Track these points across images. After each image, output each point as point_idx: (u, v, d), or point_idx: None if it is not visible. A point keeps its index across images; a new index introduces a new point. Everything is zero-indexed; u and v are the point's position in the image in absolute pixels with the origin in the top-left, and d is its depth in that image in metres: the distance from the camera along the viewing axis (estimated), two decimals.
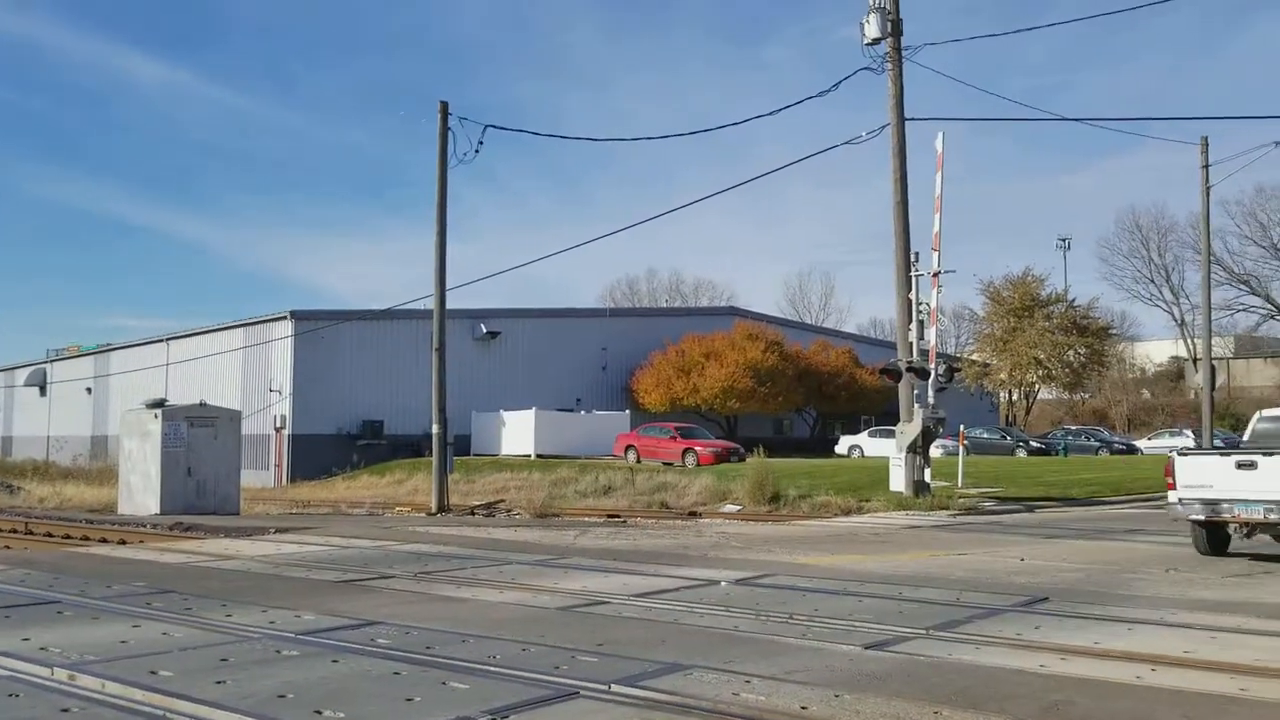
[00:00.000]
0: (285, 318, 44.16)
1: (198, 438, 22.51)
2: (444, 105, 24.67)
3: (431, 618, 8.38)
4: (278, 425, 43.48)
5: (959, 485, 24.61)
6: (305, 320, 43.74)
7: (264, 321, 45.76)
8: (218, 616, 8.43)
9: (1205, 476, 12.54)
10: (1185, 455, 13.13)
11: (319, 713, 5.39)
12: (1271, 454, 12.10)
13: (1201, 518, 12.64)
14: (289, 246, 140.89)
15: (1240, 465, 12.28)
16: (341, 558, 13.05)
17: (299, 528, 17.86)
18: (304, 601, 9.24)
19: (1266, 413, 15.48)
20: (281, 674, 6.29)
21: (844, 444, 48.38)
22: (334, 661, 6.63)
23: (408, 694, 5.75)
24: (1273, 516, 11.88)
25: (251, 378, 45.65)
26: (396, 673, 6.29)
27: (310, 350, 43.25)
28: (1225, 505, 12.30)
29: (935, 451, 26.05)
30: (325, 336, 43.20)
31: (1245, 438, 15.04)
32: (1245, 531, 12.56)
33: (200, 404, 24.41)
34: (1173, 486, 12.93)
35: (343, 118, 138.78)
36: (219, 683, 6.01)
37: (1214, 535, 12.92)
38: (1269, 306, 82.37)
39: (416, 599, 9.62)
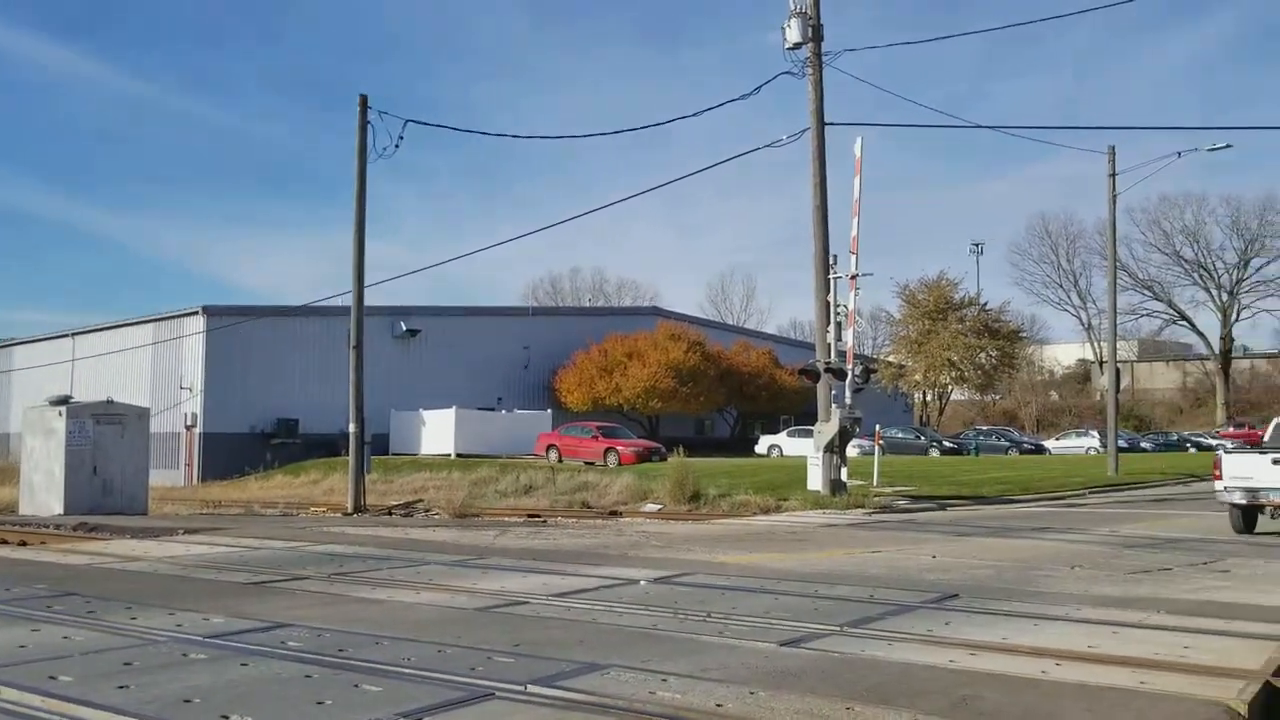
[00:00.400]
0: (197, 313, 43.13)
1: (104, 436, 21.83)
2: (364, 99, 24.31)
3: (345, 619, 8.24)
4: (189, 423, 42.43)
5: (874, 484, 25.04)
6: (218, 316, 42.77)
7: (174, 317, 44.62)
8: (122, 619, 8.17)
9: (1246, 470, 15.69)
10: (1230, 453, 16.49)
11: (226, 717, 5.26)
12: None
13: (1243, 502, 15.71)
14: (200, 240, 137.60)
15: (1275, 461, 15.27)
16: (253, 559, 12.77)
17: (209, 528, 17.43)
18: (213, 604, 9.01)
19: None
20: (188, 678, 6.12)
21: (764, 443, 48.90)
22: (243, 665, 6.48)
23: (318, 697, 5.64)
24: None
25: (161, 374, 44.47)
26: (308, 676, 6.17)
27: (223, 347, 42.29)
28: (1262, 492, 15.42)
29: (852, 451, 26.47)
30: (238, 333, 42.27)
31: (1266, 437, 18.00)
32: (1273, 513, 15.68)
33: (107, 401, 23.66)
34: (1219, 478, 15.95)
35: (253, 107, 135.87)
36: (121, 688, 5.83)
37: (1248, 515, 15.97)
38: (1171, 312, 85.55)
39: (330, 601, 9.45)
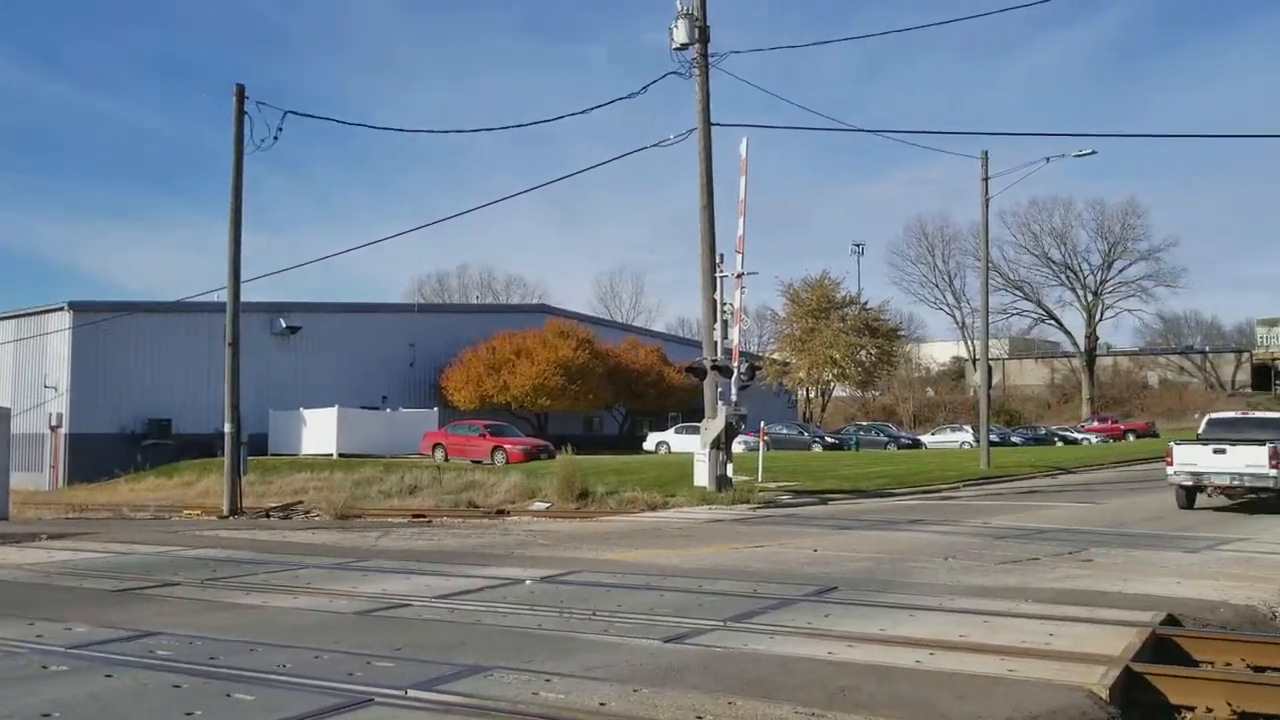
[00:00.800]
0: (62, 309, 41.17)
1: None
2: (240, 88, 23.56)
3: (218, 626, 7.97)
4: (54, 424, 40.49)
5: (759, 480, 25.40)
6: (85, 312, 40.91)
7: (38, 313, 42.51)
8: None
9: (1192, 458, 19.23)
10: (1180, 444, 19.85)
11: None
12: (1235, 444, 18.76)
13: (1189, 484, 19.32)
14: (68, 233, 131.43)
15: (1216, 451, 18.91)
16: (121, 565, 12.26)
17: (75, 533, 16.68)
18: (76, 612, 8.62)
19: (1213, 416, 22.27)
20: (47, 691, 5.84)
21: (652, 440, 49.14)
22: (107, 676, 6.21)
23: (188, 708, 5.44)
24: (1233, 483, 18.83)
25: (24, 373, 42.34)
26: (176, 685, 5.95)
27: (91, 344, 40.48)
28: (1204, 475, 19.02)
29: (738, 447, 26.83)
30: (108, 330, 40.51)
31: (1200, 431, 20.96)
32: (1211, 493, 19.45)
33: None
34: (1170, 463, 19.47)
35: (127, 96, 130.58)
36: None
37: (1190, 494, 19.59)
38: (1040, 311, 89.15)
39: (202, 607, 9.13)
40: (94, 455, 39.51)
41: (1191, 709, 6.08)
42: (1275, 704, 5.98)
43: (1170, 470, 19.44)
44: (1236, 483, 18.71)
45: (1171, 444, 19.95)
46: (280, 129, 23.00)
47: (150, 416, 41.51)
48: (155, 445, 40.89)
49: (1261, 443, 18.52)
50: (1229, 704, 6.00)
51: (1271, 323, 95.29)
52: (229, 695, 5.71)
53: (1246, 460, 18.46)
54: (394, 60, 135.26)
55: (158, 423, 41.51)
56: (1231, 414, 23.38)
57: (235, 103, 23.47)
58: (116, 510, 27.21)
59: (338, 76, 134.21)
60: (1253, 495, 19.43)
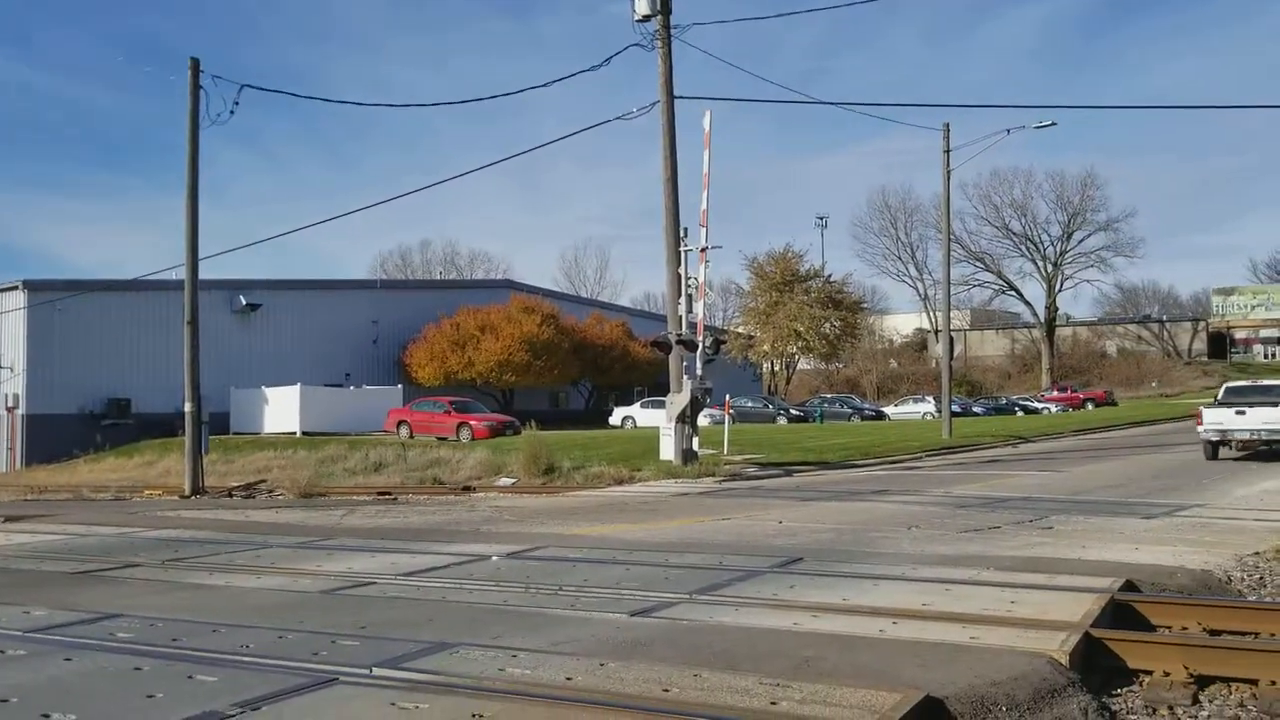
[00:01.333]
0: (16, 288, 40.43)
1: None
2: (195, 62, 23.14)
3: (180, 607, 7.89)
4: (9, 405, 39.83)
5: (725, 453, 25.51)
6: (40, 291, 40.20)
7: None
8: None
9: (1219, 418, 23.04)
10: (1209, 407, 23.63)
11: (46, 716, 4.97)
12: (1253, 406, 22.71)
13: (1216, 439, 23.22)
14: (21, 210, 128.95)
15: (1237, 412, 22.75)
16: (80, 546, 12.10)
17: (34, 515, 16.46)
18: (35, 595, 8.50)
19: (1229, 385, 25.90)
20: (6, 676, 5.75)
21: (618, 415, 49.19)
22: (66, 660, 6.13)
23: (149, 690, 5.38)
24: (1252, 437, 22.86)
25: None
26: (137, 668, 5.88)
27: (46, 323, 39.82)
28: (1229, 432, 22.96)
29: (703, 421, 26.91)
30: (64, 308, 39.84)
31: (1219, 397, 24.39)
32: (1235, 447, 23.59)
33: None
34: (1200, 422, 23.34)
35: (81, 73, 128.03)
36: None
37: (1216, 448, 23.46)
38: (1001, 282, 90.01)
39: (164, 588, 9.03)
40: (52, 436, 38.95)
41: (1149, 673, 6.19)
42: (1230, 667, 6.10)
43: (1200, 429, 23.34)
44: (1255, 437, 22.84)
45: (1201, 408, 23.96)
46: (237, 103, 22.70)
47: (109, 396, 40.98)
48: (115, 425, 40.37)
49: (1275, 404, 22.64)
50: (1185, 667, 6.11)
51: (1227, 292, 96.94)
52: (191, 677, 5.65)
53: (1264, 419, 22.54)
54: (370, 44, 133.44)
55: (117, 402, 40.98)
56: (1244, 382, 27.60)
57: (190, 77, 23.09)
58: (76, 491, 26.87)
59: (316, 63, 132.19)
60: (1265, 447, 23.57)
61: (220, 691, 5.35)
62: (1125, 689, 6.07)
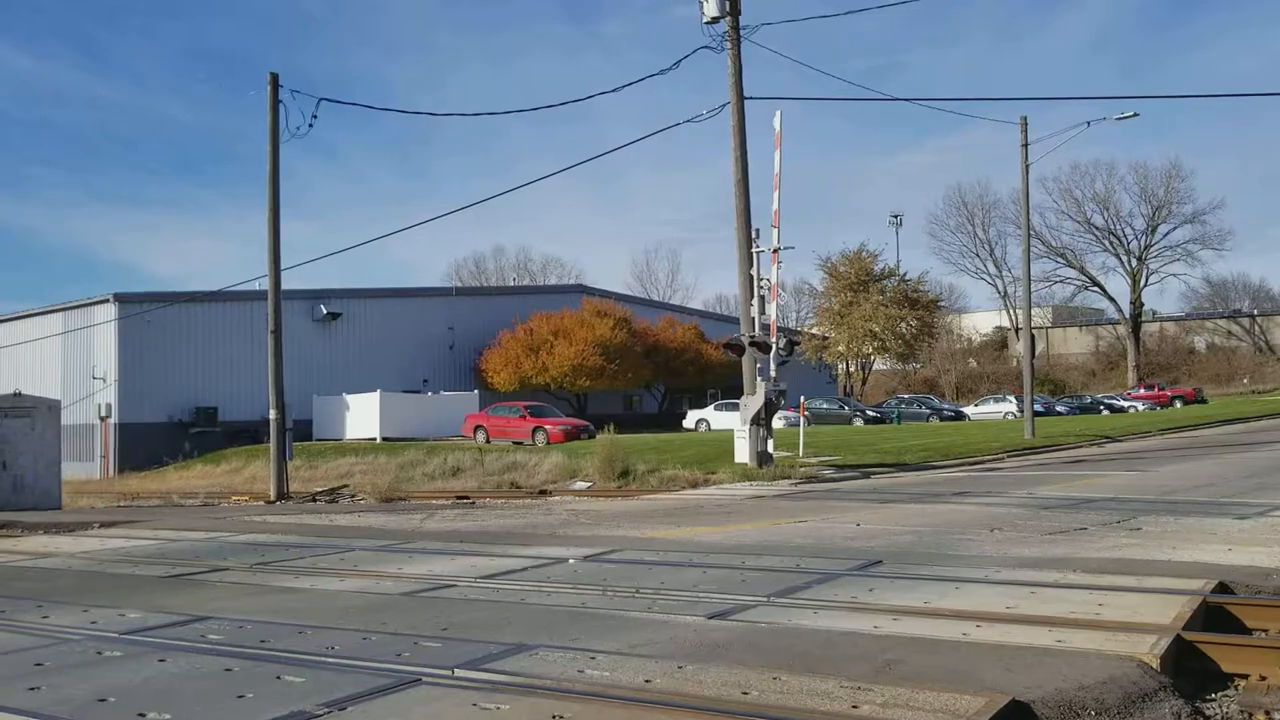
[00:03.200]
0: (108, 301, 41.88)
1: (13, 429, 21.15)
2: (274, 77, 23.72)
3: (267, 610, 8.08)
4: (103, 414, 41.24)
5: (800, 455, 25.32)
6: (130, 303, 41.57)
7: (84, 305, 43.27)
8: (33, 619, 7.92)
9: None
10: None
11: (142, 715, 5.12)
12: None
13: None
14: (109, 225, 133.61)
15: None
16: (172, 551, 12.47)
17: (126, 521, 16.99)
18: (130, 599, 8.78)
19: None
20: (103, 676, 5.95)
21: (691, 418, 49.12)
22: (160, 661, 6.32)
23: (239, 691, 5.52)
24: None
25: (72, 365, 43.13)
26: (228, 669, 6.04)
27: (136, 335, 41.16)
28: None
29: (778, 423, 26.74)
30: (152, 320, 41.15)
31: None
32: None
33: (15, 393, 22.87)
34: None
35: (160, 88, 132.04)
36: (32, 689, 5.64)
37: None
38: (1083, 278, 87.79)
39: (252, 591, 9.26)
40: (143, 444, 40.24)
41: (1245, 677, 5.99)
42: None
43: None
44: None
45: None
46: (315, 116, 23.22)
47: (197, 405, 42.19)
48: (202, 433, 41.56)
49: None
50: None
51: None
52: (279, 678, 5.78)
53: None
54: (433, 48, 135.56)
55: (204, 410, 42.17)
56: None
57: (270, 92, 23.66)
58: (166, 498, 27.68)
59: (378, 66, 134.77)
60: None
61: (308, 692, 5.46)
62: (1219, 693, 5.88)
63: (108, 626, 7.50)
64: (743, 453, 22.74)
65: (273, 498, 23.31)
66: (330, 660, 6.20)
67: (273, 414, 23.86)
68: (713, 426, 45.65)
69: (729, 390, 49.34)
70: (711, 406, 49.33)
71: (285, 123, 23.51)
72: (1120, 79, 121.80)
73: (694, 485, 21.44)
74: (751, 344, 22.63)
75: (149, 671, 6.06)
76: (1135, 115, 33.72)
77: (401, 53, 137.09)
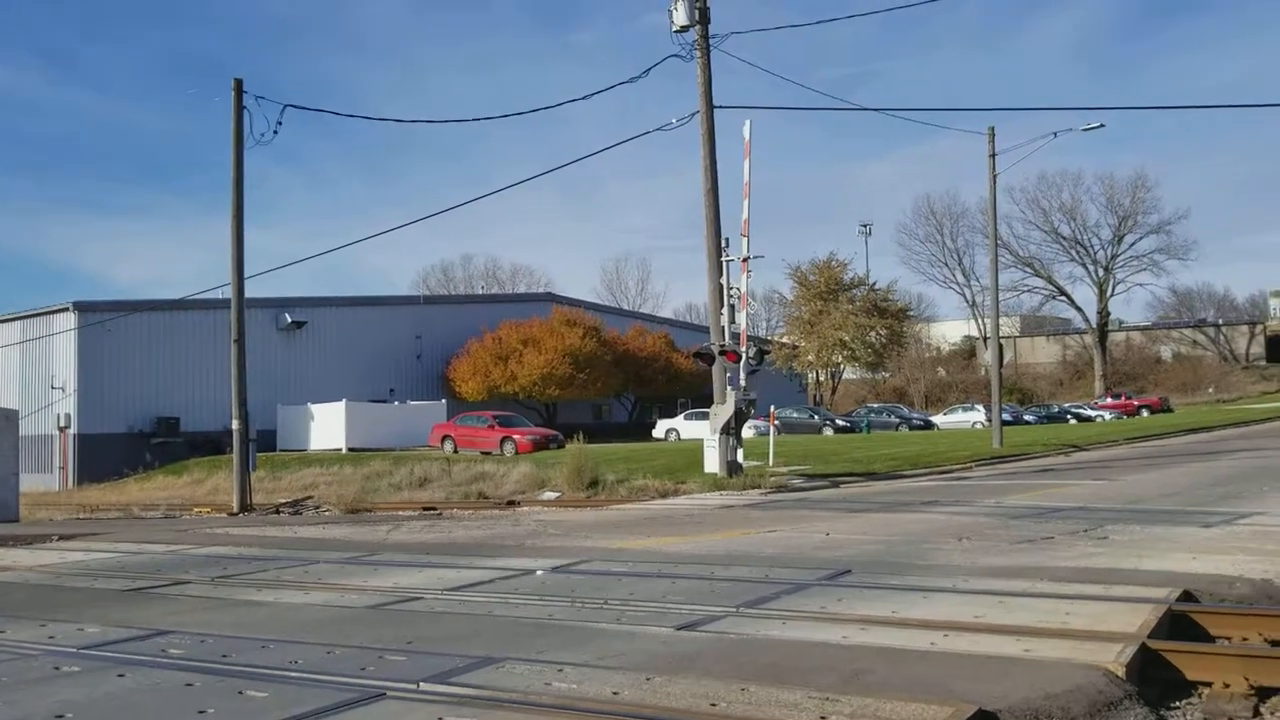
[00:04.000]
0: (67, 309, 41.32)
1: None
2: (238, 83, 23.51)
3: (229, 624, 7.95)
4: (62, 425, 40.63)
5: (770, 464, 25.35)
6: (90, 312, 41.03)
7: (43, 314, 42.66)
8: None
9: None
10: None
11: None
12: None
13: None
14: (71, 233, 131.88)
15: None
16: (132, 564, 12.27)
17: (86, 534, 16.72)
18: (88, 613, 8.61)
19: None
20: (60, 692, 5.82)
21: (661, 427, 49.14)
22: (120, 676, 6.19)
23: (200, 706, 5.42)
24: None
25: (31, 374, 42.50)
26: (189, 684, 5.93)
27: (96, 344, 40.62)
28: None
29: (748, 432, 26.76)
30: (113, 329, 40.63)
31: None
32: None
33: None
34: None
35: (125, 96, 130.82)
36: None
37: None
38: (1050, 287, 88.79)
39: (214, 605, 9.12)
40: (103, 455, 39.66)
41: (1209, 685, 6.02)
42: None
43: None
44: None
45: None
46: (280, 123, 23.03)
47: (158, 415, 41.67)
48: (164, 444, 41.04)
49: None
50: (1246, 679, 5.93)
51: None
52: (241, 693, 5.68)
53: None
54: (408, 56, 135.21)
55: (165, 421, 41.66)
56: None
57: (234, 98, 23.46)
58: (127, 510, 27.29)
59: (354, 75, 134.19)
60: None
61: (270, 707, 5.37)
62: (1184, 701, 5.91)
63: (66, 641, 7.35)
64: (712, 462, 22.74)
65: (236, 510, 23.03)
66: (294, 674, 6.10)
67: (236, 424, 23.60)
68: (683, 436, 45.68)
69: (699, 399, 49.40)
70: (681, 416, 49.36)
71: (250, 129, 23.32)
72: (1091, 88, 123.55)
73: (664, 495, 21.40)
74: (721, 353, 22.65)
75: (108, 687, 5.94)
76: (1101, 126, 34.09)
77: (376, 61, 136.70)
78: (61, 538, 16.01)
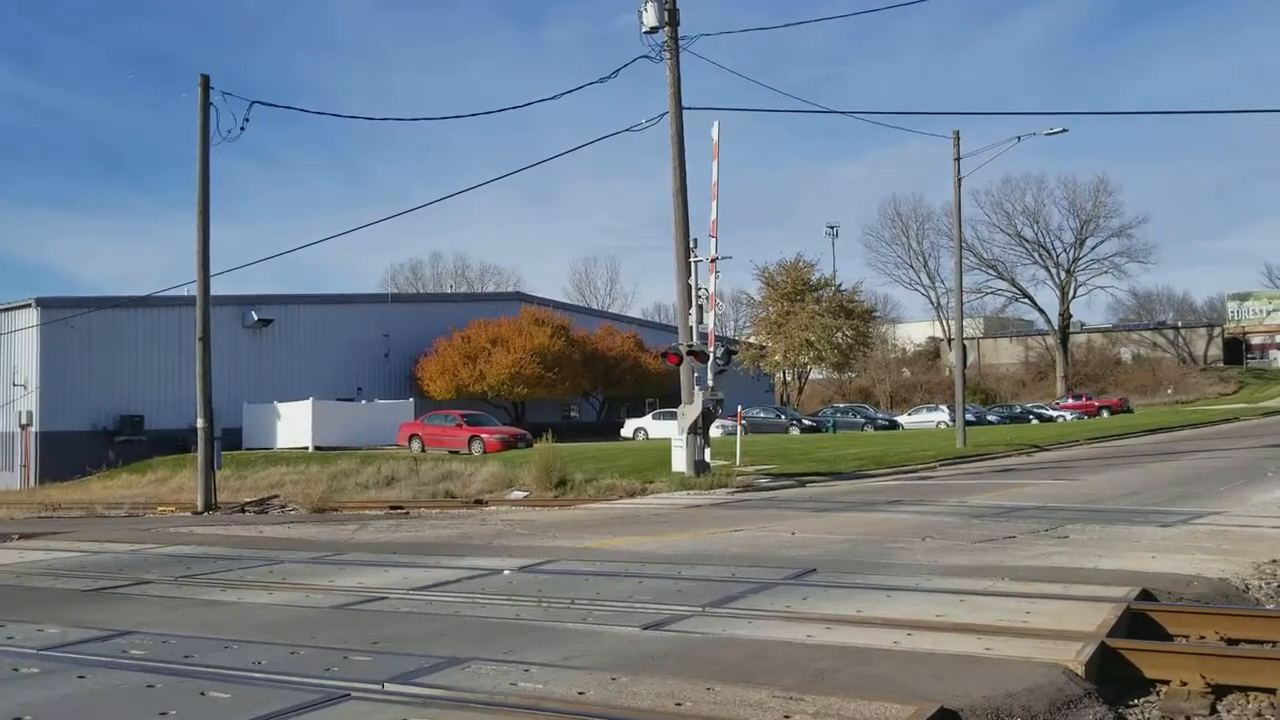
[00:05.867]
0: (29, 305, 40.72)
1: None
2: (205, 79, 23.30)
3: (192, 624, 7.89)
4: (23, 422, 40.05)
5: (737, 464, 25.44)
6: (52, 309, 40.46)
7: (5, 310, 42.05)
8: None
9: None
10: None
11: None
12: None
13: None
14: (34, 229, 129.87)
15: None
16: (94, 564, 12.12)
17: (47, 533, 16.52)
18: (48, 613, 8.51)
19: None
20: (19, 694, 5.76)
21: (629, 427, 49.13)
22: (80, 677, 6.13)
23: (162, 708, 5.38)
24: None
25: None
26: (150, 685, 5.88)
27: (59, 341, 40.06)
28: None
29: (715, 432, 26.84)
30: (76, 326, 40.08)
31: None
32: None
33: None
34: None
35: (88, 87, 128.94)
36: None
37: None
38: (1014, 290, 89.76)
39: (176, 605, 9.04)
40: (65, 453, 39.13)
41: (1166, 682, 6.13)
42: (1248, 676, 6.03)
43: None
44: None
45: None
46: (247, 119, 22.85)
47: (122, 413, 41.16)
48: (128, 442, 40.54)
49: None
50: (1203, 676, 6.04)
51: (1242, 297, 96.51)
52: (203, 694, 5.65)
53: None
54: (377, 55, 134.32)
55: (130, 419, 41.16)
56: None
57: (201, 94, 23.24)
58: (90, 509, 26.95)
59: (324, 74, 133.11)
60: None
61: (233, 709, 5.34)
62: (1142, 699, 6.01)
63: (25, 642, 7.27)
64: (680, 462, 22.79)
65: (200, 508, 22.82)
66: (257, 675, 6.07)
67: (200, 422, 23.37)
68: (651, 435, 45.70)
69: (667, 399, 49.45)
70: (650, 415, 49.38)
71: (217, 126, 23.11)
72: (1058, 91, 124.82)
73: (632, 494, 21.42)
74: (689, 353, 22.71)
75: (67, 689, 5.88)
76: (1065, 130, 34.46)
77: (344, 59, 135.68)
78: (22, 536, 15.81)
